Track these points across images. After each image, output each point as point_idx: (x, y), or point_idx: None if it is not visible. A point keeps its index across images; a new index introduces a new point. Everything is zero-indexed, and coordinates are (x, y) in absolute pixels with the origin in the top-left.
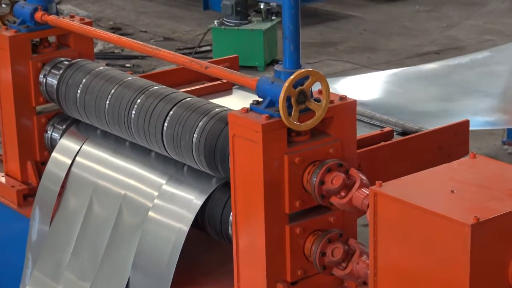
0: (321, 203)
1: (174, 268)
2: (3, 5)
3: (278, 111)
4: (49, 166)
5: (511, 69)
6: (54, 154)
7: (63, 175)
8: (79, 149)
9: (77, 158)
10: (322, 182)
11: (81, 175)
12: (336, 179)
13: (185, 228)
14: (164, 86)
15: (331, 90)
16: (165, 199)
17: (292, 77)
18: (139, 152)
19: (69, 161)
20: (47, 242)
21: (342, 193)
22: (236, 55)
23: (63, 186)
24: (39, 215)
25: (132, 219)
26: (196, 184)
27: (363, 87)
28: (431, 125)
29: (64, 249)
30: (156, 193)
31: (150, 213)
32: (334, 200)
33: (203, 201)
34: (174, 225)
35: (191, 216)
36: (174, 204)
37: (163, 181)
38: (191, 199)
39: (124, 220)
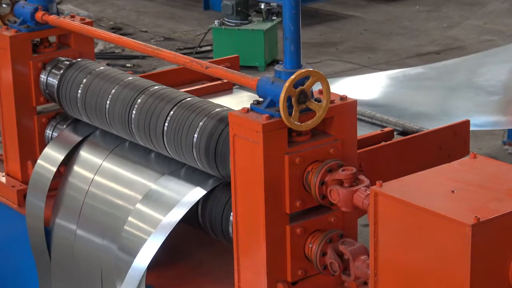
0: (322, 203)
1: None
2: (4, 5)
3: (279, 111)
4: (37, 167)
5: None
6: (39, 161)
7: (51, 176)
8: (75, 154)
9: (73, 164)
10: (322, 182)
11: (74, 179)
12: (333, 194)
13: (169, 227)
14: (164, 86)
15: (331, 90)
16: (156, 200)
17: (292, 77)
18: (138, 152)
19: (54, 169)
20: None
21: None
22: (236, 55)
23: (56, 188)
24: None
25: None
26: (193, 185)
27: (363, 87)
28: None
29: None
30: (150, 194)
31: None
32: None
33: (193, 204)
34: (164, 223)
35: (176, 219)
36: (164, 205)
37: (158, 182)
38: (186, 200)
39: (121, 220)
